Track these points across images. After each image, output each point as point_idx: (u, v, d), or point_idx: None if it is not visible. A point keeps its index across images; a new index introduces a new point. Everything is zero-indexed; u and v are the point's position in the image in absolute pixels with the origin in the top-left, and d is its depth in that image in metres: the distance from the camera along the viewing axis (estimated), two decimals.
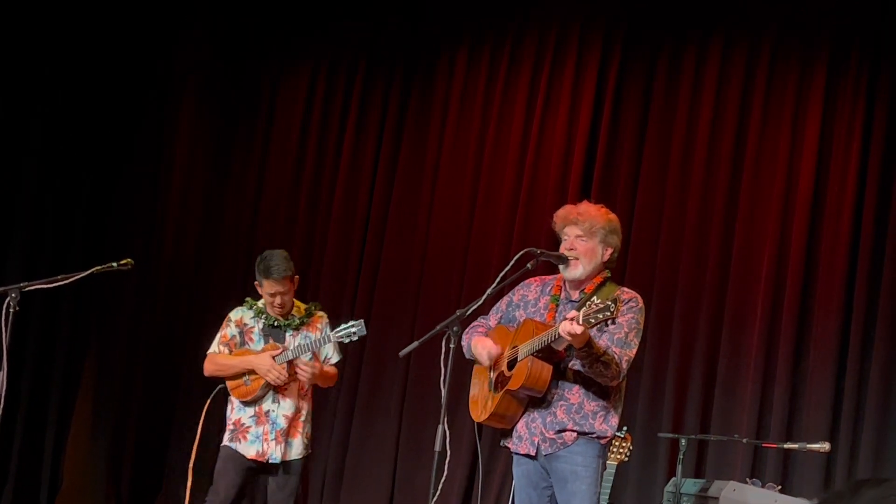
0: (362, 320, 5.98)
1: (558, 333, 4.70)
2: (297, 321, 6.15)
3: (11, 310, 5.74)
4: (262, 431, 6.05)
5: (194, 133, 9.10)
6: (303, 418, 6.11)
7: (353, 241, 8.58)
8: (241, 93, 9.16)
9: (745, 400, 7.31)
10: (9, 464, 8.52)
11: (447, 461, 4.82)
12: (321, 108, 8.89)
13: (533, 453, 5.00)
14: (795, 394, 7.26)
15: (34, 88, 8.62)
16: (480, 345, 5.09)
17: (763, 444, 6.87)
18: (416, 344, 5.08)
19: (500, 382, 5.05)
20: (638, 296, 4.99)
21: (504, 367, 5.03)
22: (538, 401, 4.97)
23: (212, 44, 9.16)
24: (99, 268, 6.14)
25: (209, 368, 6.23)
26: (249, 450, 6.06)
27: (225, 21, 9.16)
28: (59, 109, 8.67)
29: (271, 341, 6.11)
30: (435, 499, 4.84)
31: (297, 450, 6.08)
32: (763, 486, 6.16)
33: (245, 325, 6.20)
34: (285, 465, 6.06)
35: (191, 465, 6.30)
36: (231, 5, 9.17)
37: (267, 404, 6.07)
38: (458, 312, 4.89)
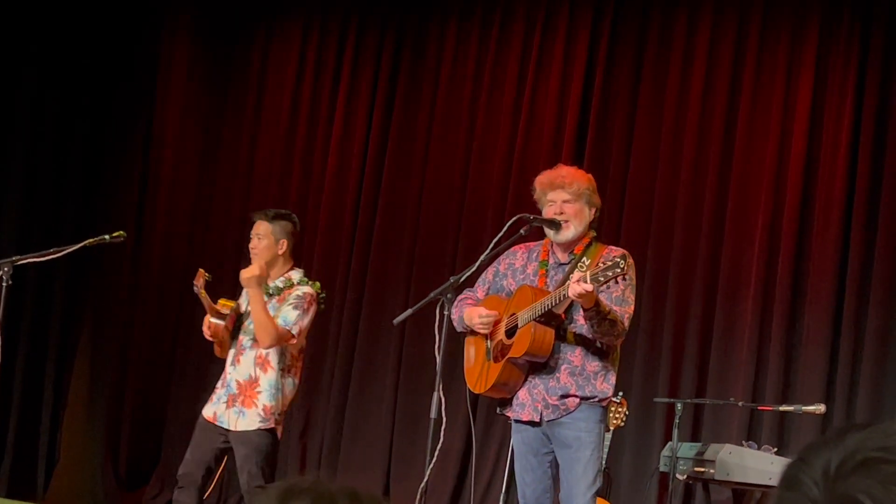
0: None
1: (564, 295, 4.70)
2: (271, 288, 5.89)
3: (4, 284, 5.73)
4: (222, 394, 5.90)
5: (185, 99, 9.04)
6: (258, 389, 5.82)
7: (347, 209, 8.56)
8: (232, 56, 9.10)
9: (740, 363, 7.32)
10: (5, 438, 8.52)
11: (443, 428, 4.81)
12: (311, 78, 8.84)
13: (537, 419, 4.99)
14: (791, 356, 7.27)
15: (20, 58, 8.57)
16: (476, 315, 5.06)
17: (759, 408, 6.89)
18: (410, 311, 5.09)
19: (499, 351, 5.04)
20: (626, 252, 4.98)
21: (503, 336, 5.02)
22: (540, 366, 4.96)
23: (201, 6, 9.10)
24: (91, 240, 6.11)
25: None
26: (209, 409, 5.92)
27: None
28: (47, 77, 8.62)
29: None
30: (431, 465, 4.85)
31: (249, 420, 5.80)
32: (759, 449, 6.18)
33: None
34: (241, 434, 5.82)
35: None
36: None
37: (228, 367, 5.92)
38: (451, 279, 4.90)
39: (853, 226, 7.20)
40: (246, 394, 5.82)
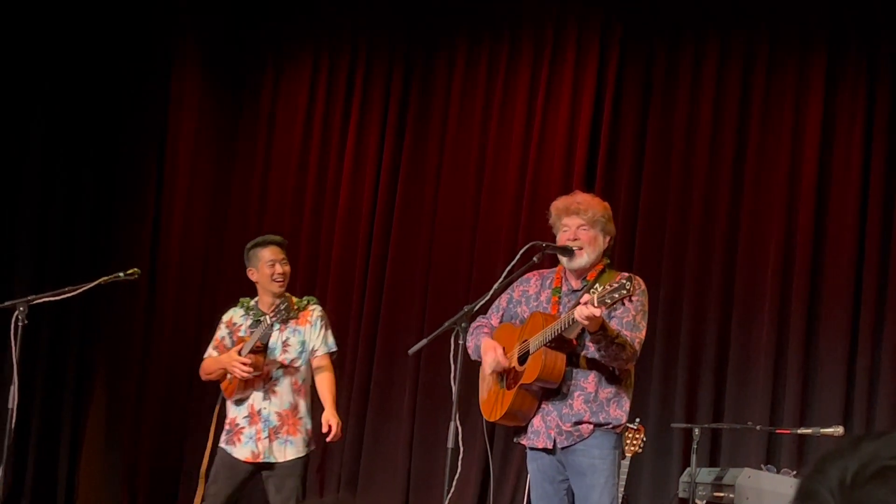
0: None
1: (572, 319, 4.70)
2: (284, 315, 5.85)
3: (20, 324, 5.74)
4: (255, 431, 5.87)
5: (196, 137, 9.06)
6: (300, 415, 5.91)
7: (359, 241, 8.58)
8: (242, 93, 9.15)
9: (757, 387, 7.31)
10: (24, 478, 8.49)
11: (460, 457, 4.81)
12: (321, 113, 8.88)
13: (550, 447, 4.98)
14: (808, 379, 7.26)
15: (32, 97, 8.61)
16: (490, 354, 5.05)
17: (777, 431, 6.87)
18: (425, 341, 5.09)
19: (512, 378, 5.04)
20: (632, 275, 4.98)
21: (515, 363, 5.03)
22: (553, 393, 4.96)
23: (210, 44, 9.15)
24: (105, 278, 6.13)
25: (202, 375, 6.15)
26: (243, 451, 5.90)
27: (222, 21, 9.16)
28: (58, 116, 8.65)
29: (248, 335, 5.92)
30: (450, 495, 4.84)
31: (296, 448, 5.88)
32: (778, 472, 6.15)
33: (234, 324, 6.05)
34: (283, 465, 5.87)
35: (202, 470, 6.19)
36: (226, 6, 9.19)
37: (258, 402, 5.89)
38: (465, 308, 4.90)
39: (867, 247, 7.19)
40: (289, 422, 5.89)
